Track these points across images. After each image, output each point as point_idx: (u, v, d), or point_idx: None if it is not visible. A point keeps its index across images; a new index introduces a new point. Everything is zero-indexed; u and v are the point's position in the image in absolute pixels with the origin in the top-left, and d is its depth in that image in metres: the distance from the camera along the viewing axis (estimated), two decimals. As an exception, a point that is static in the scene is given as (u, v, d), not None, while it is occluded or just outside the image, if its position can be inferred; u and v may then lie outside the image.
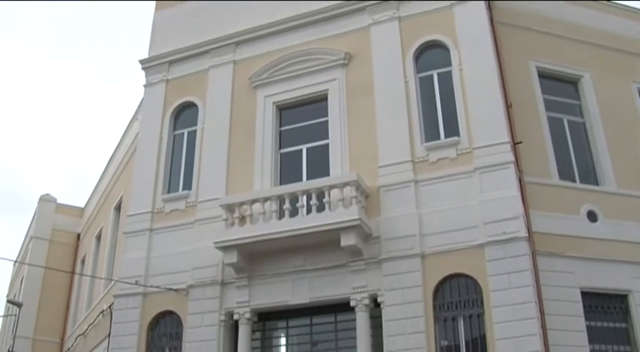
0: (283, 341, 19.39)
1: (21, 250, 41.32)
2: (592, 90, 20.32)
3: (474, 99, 18.15)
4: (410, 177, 17.87)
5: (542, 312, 16.07)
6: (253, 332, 18.81)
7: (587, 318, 16.83)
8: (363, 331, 17.07)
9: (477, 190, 17.09)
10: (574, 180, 18.99)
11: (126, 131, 29.12)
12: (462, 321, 16.45)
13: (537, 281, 16.35)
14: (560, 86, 20.43)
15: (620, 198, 18.70)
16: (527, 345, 15.20)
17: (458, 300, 16.60)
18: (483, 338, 15.96)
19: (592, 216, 18.12)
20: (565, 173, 18.90)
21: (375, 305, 17.25)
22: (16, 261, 40.22)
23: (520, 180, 17.40)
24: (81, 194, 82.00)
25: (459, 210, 17.01)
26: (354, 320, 17.32)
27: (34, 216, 38.31)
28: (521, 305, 15.59)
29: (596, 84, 20.42)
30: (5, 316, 40.75)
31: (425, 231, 17.15)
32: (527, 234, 16.39)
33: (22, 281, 36.55)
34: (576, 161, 19.42)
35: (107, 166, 31.80)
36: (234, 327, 18.90)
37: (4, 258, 58.72)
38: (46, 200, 37.31)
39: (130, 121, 28.38)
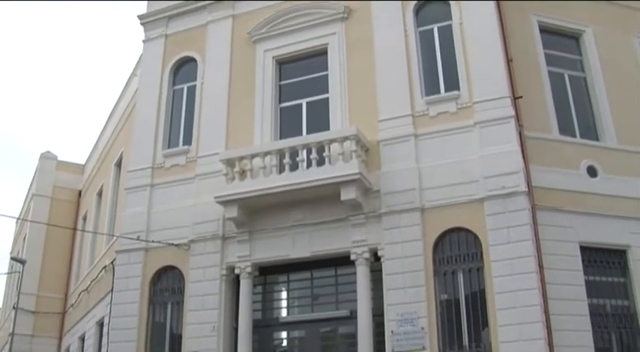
0: (284, 294, 19.59)
1: (23, 208, 41.44)
2: (594, 45, 20.12)
3: (474, 54, 18.03)
4: (410, 131, 17.84)
5: (541, 266, 16.15)
6: (254, 286, 18.95)
7: (585, 273, 16.91)
8: (363, 284, 17.20)
9: (477, 144, 17.07)
10: (574, 135, 18.91)
11: (125, 87, 29.01)
12: (461, 275, 16.56)
13: (537, 235, 16.41)
14: (561, 41, 20.25)
15: (620, 154, 18.65)
16: (526, 299, 15.31)
17: (457, 254, 16.70)
18: (483, 291, 16.07)
19: (592, 171, 18.09)
20: (565, 128, 18.81)
21: (376, 258, 17.36)
22: (18, 219, 40.35)
23: (520, 135, 17.34)
24: (81, 151, 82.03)
25: (459, 164, 17.00)
26: (355, 273, 17.45)
27: (35, 174, 38.34)
28: (520, 259, 15.68)
29: (598, 39, 20.21)
30: (9, 273, 40.98)
31: (425, 185, 17.17)
32: (526, 189, 16.41)
33: (24, 239, 36.72)
34: (577, 116, 19.30)
35: (107, 123, 31.73)
36: (235, 281, 19.06)
37: (6, 216, 59.05)
38: (46, 157, 37.29)
39: (130, 77, 28.25)
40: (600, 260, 17.43)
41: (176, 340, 19.32)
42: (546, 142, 18.08)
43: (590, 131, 19.25)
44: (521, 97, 18.00)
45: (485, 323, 15.84)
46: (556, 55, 19.82)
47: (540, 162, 17.57)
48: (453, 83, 18.16)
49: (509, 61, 18.31)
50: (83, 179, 35.75)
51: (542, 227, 16.69)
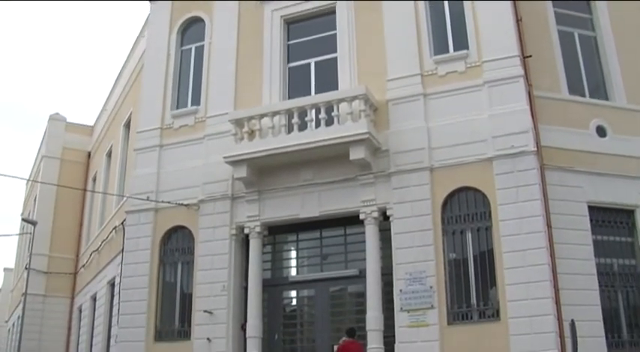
0: (293, 254, 19.79)
1: (33, 169, 41.59)
2: (604, 4, 19.89)
3: (483, 13, 17.92)
4: (419, 90, 17.81)
5: (549, 226, 16.20)
6: (264, 245, 19.10)
7: (593, 232, 16.96)
8: (372, 244, 17.32)
9: (485, 104, 17.06)
10: (584, 95, 18.80)
11: (133, 48, 28.91)
12: (469, 234, 16.65)
13: (545, 195, 16.43)
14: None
15: (629, 114, 18.57)
16: (534, 258, 15.42)
17: (466, 213, 16.77)
18: (491, 251, 16.18)
19: (601, 131, 18.02)
20: (575, 87, 18.68)
21: (384, 218, 17.45)
22: (28, 180, 40.54)
23: (529, 94, 17.29)
24: (90, 112, 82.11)
25: (468, 124, 17.00)
26: (364, 233, 17.56)
27: (44, 136, 38.43)
28: (528, 218, 15.74)
29: (609, -2, 20.03)
30: (21, 234, 41.30)
31: (434, 144, 17.19)
32: (535, 148, 16.41)
33: (35, 200, 36.93)
34: (586, 76, 19.17)
35: (115, 84, 31.68)
36: (244, 241, 19.21)
37: (16, 177, 59.39)
38: (55, 119, 37.35)
39: (137, 38, 28.14)
40: (608, 219, 17.46)
41: (186, 299, 19.51)
42: (555, 102, 17.99)
43: (600, 90, 19.15)
44: (530, 56, 17.88)
45: (493, 282, 15.94)
46: (566, 14, 19.62)
47: (549, 121, 17.50)
48: (461, 42, 18.05)
49: (518, 20, 18.15)
50: (92, 140, 35.84)
51: (550, 186, 16.71)
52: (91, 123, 37.15)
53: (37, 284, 32.60)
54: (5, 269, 60.12)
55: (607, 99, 18.93)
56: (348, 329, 16.10)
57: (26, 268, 32.39)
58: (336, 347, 16.17)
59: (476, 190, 16.70)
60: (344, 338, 15.80)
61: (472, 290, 16.21)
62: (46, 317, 32.85)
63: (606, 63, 19.31)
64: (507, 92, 16.93)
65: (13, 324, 40.17)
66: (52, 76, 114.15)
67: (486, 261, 16.21)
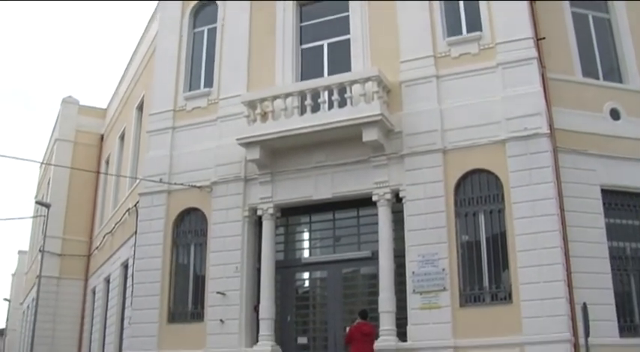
0: (306, 235, 19.85)
1: (46, 152, 41.78)
2: (618, -15, 19.77)
3: (497, -6, 17.79)
4: (432, 72, 17.75)
5: (562, 209, 16.15)
6: (277, 227, 19.17)
7: (606, 215, 16.93)
8: (384, 225, 17.33)
9: (499, 86, 16.98)
10: (597, 78, 18.66)
11: (145, 31, 28.85)
12: (482, 216, 16.63)
13: (558, 177, 16.42)
14: (586, -19, 19.90)
15: (643, 97, 18.45)
16: (547, 241, 15.39)
17: (479, 196, 16.75)
18: (503, 233, 16.16)
19: (615, 114, 17.92)
20: (588, 70, 18.55)
21: (397, 199, 17.44)
22: (42, 163, 40.74)
23: (543, 76, 17.20)
24: (103, 95, 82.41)
25: (481, 106, 16.95)
26: (376, 214, 17.57)
27: (57, 119, 38.54)
28: (541, 201, 15.70)
29: (623, -21, 19.85)
30: (35, 217, 41.54)
31: (447, 126, 17.15)
32: (548, 131, 16.37)
33: (49, 183, 37.12)
34: (600, 58, 19.03)
35: (128, 67, 31.70)
36: (257, 223, 19.26)
37: (30, 160, 59.39)
38: (68, 102, 37.43)
39: (150, 21, 28.10)
40: (621, 203, 17.41)
41: (200, 281, 19.62)
42: (569, 84, 17.91)
43: (614, 73, 19.02)
44: (544, 38, 17.76)
45: (506, 265, 15.94)
46: (581, -5, 19.47)
47: (563, 104, 17.44)
48: (475, 24, 17.95)
49: (532, 1, 18.04)
50: (105, 123, 35.92)
51: (563, 169, 16.69)
52: (104, 106, 37.22)
53: (51, 266, 32.81)
54: (20, 252, 60.59)
55: (621, 82, 18.82)
56: (360, 311, 16.14)
57: (40, 251, 32.61)
58: (348, 329, 16.23)
59: (489, 172, 16.67)
60: (357, 320, 15.86)
61: (484, 272, 16.20)
62: (60, 299, 33.08)
63: (620, 45, 19.17)
64: (521, 74, 16.84)
65: (28, 306, 40.49)
66: (65, 60, 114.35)
67: (499, 244, 16.20)
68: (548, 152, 16.15)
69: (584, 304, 15.01)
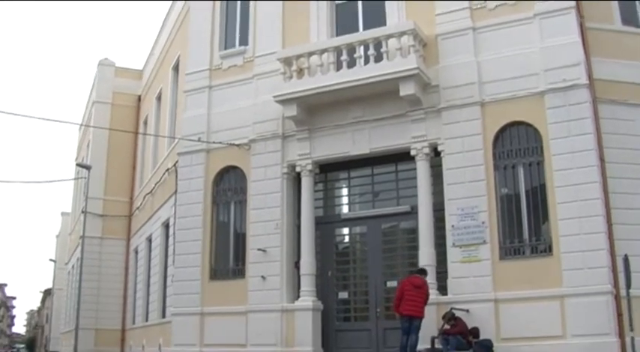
0: (345, 191, 19.92)
1: (84, 115, 42.16)
2: None
3: (533, -57, 17.42)
4: (468, 24, 17.49)
5: (602, 160, 16.01)
6: (315, 183, 19.28)
7: (647, 166, 16.70)
8: (423, 180, 17.34)
9: (536, 37, 16.72)
10: (637, 26, 18.19)
11: (180, -10, 28.81)
12: (521, 169, 16.54)
13: (598, 128, 16.23)
14: None
15: (684, 44, 18.04)
16: (587, 193, 15.29)
17: (518, 148, 16.63)
18: (543, 185, 16.07)
19: (655, 63, 17.56)
20: (628, 18, 18.11)
21: (435, 154, 17.42)
22: (81, 125, 41.16)
23: (581, 26, 16.91)
24: (138, 56, 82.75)
25: (519, 57, 16.72)
26: (415, 169, 17.58)
27: (94, 81, 38.82)
28: (581, 152, 15.57)
29: None
30: (76, 179, 42.11)
31: (484, 78, 16.97)
32: (587, 81, 16.15)
33: (88, 146, 37.55)
34: (640, 6, 18.66)
35: (162, 27, 31.67)
36: (296, 179, 19.38)
37: (69, 122, 60.14)
38: (104, 64, 37.68)
39: (184, -20, 28.03)
40: (663, 153, 17.12)
41: (240, 238, 19.85)
42: (608, 33, 17.57)
43: (655, 20, 18.59)
44: (581, -13, 17.42)
45: (546, 217, 15.88)
46: (620, -60, 19.00)
47: (602, 53, 17.12)
48: (512, -26, 17.61)
49: (570, -52, 17.65)
50: (142, 84, 36.11)
51: (603, 120, 16.48)
52: (140, 67, 37.36)
53: (94, 227, 33.38)
54: (62, 214, 61.51)
55: (662, 28, 18.38)
56: (420, 268, 16.32)
57: (82, 212, 33.11)
58: (397, 282, 16.52)
59: (527, 125, 16.52)
60: (415, 274, 16.08)
61: (524, 225, 16.15)
62: (103, 259, 33.72)
63: (661, -10, 18.70)
64: (558, 24, 16.55)
65: (73, 266, 41.28)
66: (100, 22, 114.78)
67: (538, 196, 16.12)
68: (587, 103, 15.97)
69: (626, 256, 14.95)
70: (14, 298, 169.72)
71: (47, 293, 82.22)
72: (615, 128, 16.55)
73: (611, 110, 16.66)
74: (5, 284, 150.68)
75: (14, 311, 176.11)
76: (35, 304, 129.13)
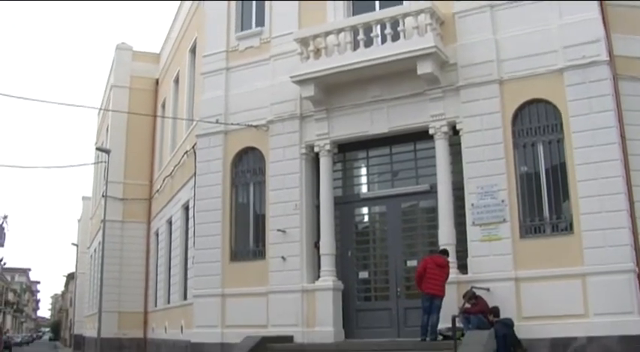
0: (364, 171, 19.87)
1: (103, 99, 42.34)
2: None
3: None
4: (485, 2, 17.31)
5: (623, 137, 15.87)
6: (334, 163, 19.28)
7: (669, 143, 16.50)
8: (442, 158, 17.28)
9: (555, 13, 16.51)
10: (659, 1, 18.07)
11: (196, -27, 28.76)
12: (541, 147, 16.41)
13: (618, 105, 16.04)
14: None
15: None
16: (608, 170, 15.17)
17: (537, 126, 16.49)
18: (563, 164, 15.95)
19: (677, 38, 17.32)
20: (650, -7, 17.95)
21: (454, 132, 17.34)
22: (100, 109, 41.33)
23: (601, 2, 16.64)
24: (156, 40, 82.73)
25: (537, 35, 16.54)
26: (434, 148, 17.51)
27: (112, 65, 38.93)
28: (601, 130, 15.42)
29: None
30: (96, 163, 42.38)
31: (502, 56, 16.83)
32: (608, 58, 15.94)
33: (107, 130, 37.76)
34: (663, -21, 18.38)
35: (179, 10, 31.69)
36: (315, 159, 19.38)
37: (88, 107, 60.30)
38: (122, 48, 37.76)
39: (199, -38, 27.96)
40: (683, 129, 16.92)
41: (260, 219, 19.90)
42: (629, 9, 17.36)
43: (677, -5, 18.33)
44: (601, -39, 17.17)
45: (566, 195, 15.78)
46: None
47: (622, 30, 16.93)
48: (532, -51, 17.38)
49: None
50: (159, 67, 36.17)
51: (624, 97, 16.30)
52: (157, 51, 37.40)
53: (115, 210, 33.64)
54: (84, 198, 61.94)
55: (684, 3, 18.11)
56: (442, 249, 16.37)
57: (103, 196, 33.34)
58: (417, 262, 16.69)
59: (547, 102, 16.36)
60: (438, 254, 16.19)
61: (544, 203, 16.06)
62: (125, 242, 33.95)
63: (684, -36, 18.41)
64: (578, 0, 16.32)
65: (95, 250, 41.65)
66: (117, 6, 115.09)
67: (558, 174, 16.01)
68: (607, 80, 15.77)
69: (648, 233, 14.85)
70: (38, 282, 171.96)
71: (70, 277, 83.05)
72: (637, 105, 16.41)
73: (632, 87, 16.49)
74: (29, 269, 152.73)
75: (39, 296, 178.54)
76: (59, 288, 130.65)
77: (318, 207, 19.00)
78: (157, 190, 32.41)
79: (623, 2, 17.33)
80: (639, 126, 16.26)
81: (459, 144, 17.14)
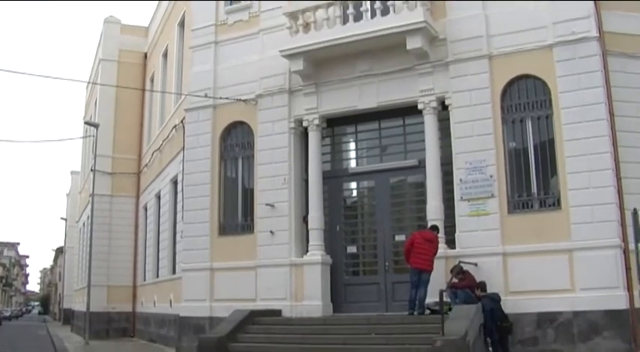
0: (352, 145, 19.90)
1: (91, 73, 42.04)
2: None
3: None
4: (476, -24, 17.23)
5: (611, 113, 15.81)
6: (323, 137, 19.30)
7: (657, 119, 16.52)
8: (431, 133, 17.30)
9: (546, -12, 16.46)
10: (649, -22, 17.98)
11: (184, -55, 28.48)
12: (530, 123, 16.44)
13: (607, 82, 15.99)
14: None
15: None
16: (596, 146, 15.21)
17: (526, 102, 16.51)
18: (551, 139, 15.99)
19: (667, 15, 17.27)
20: (640, -32, 17.87)
21: (443, 107, 17.34)
22: (88, 83, 41.05)
23: (591, -22, 16.63)
24: (144, 13, 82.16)
25: (527, 10, 16.52)
26: (422, 123, 17.52)
27: (100, 39, 38.61)
28: (590, 106, 15.45)
29: None
30: (84, 137, 42.18)
31: (492, 31, 16.80)
32: (597, 34, 15.93)
33: (96, 104, 37.48)
34: (653, -47, 18.29)
35: (168, -17, 31.39)
36: (303, 134, 19.39)
37: (76, 80, 59.93)
38: (110, 22, 37.34)
39: None
40: (673, 108, 16.91)
41: (248, 193, 19.94)
42: (619, -15, 17.25)
43: (667, -29, 18.25)
44: (591, -64, 17.05)
45: (554, 171, 15.84)
46: None
47: (612, 6, 16.73)
48: None
49: None
50: (148, 41, 35.84)
51: (613, 73, 16.20)
52: (146, 25, 37.10)
53: (103, 184, 33.44)
54: (72, 172, 61.80)
55: (674, -21, 18.04)
56: (432, 225, 16.45)
57: (92, 170, 33.19)
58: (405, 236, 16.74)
59: (536, 78, 16.37)
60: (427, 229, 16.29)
61: (532, 179, 16.13)
62: (113, 216, 33.84)
63: (676, -61, 18.31)
64: (568, -24, 16.28)
65: (84, 224, 41.54)
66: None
67: (547, 150, 16.06)
68: (597, 56, 15.77)
69: (635, 209, 14.78)
70: (27, 257, 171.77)
71: (59, 251, 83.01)
72: (625, 81, 16.27)
73: (621, 63, 16.37)
74: (18, 243, 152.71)
75: (28, 270, 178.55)
76: (48, 262, 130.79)
77: (306, 181, 19.04)
78: (146, 164, 32.30)
79: (614, -22, 17.23)
80: (628, 102, 16.14)
81: (448, 119, 17.16)
